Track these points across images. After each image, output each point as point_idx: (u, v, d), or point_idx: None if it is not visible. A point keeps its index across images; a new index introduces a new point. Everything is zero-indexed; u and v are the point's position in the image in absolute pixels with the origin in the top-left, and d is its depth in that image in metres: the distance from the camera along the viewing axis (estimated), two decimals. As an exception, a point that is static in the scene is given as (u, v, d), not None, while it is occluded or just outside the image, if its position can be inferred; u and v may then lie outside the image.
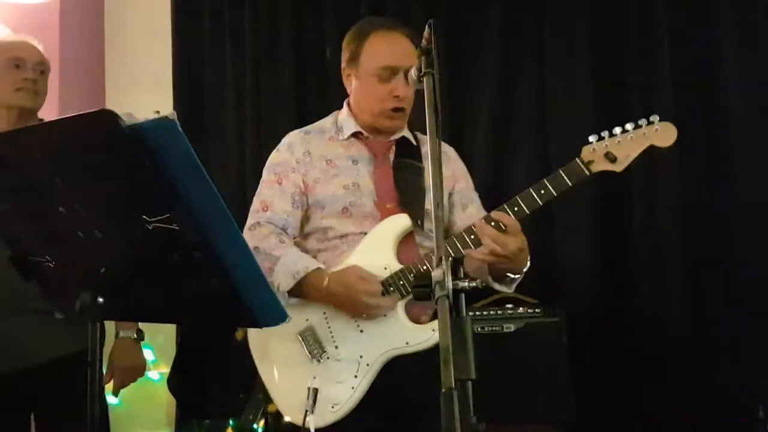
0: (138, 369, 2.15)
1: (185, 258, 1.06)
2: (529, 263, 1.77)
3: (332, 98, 3.34)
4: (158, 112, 3.07)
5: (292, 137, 1.94)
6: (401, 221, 1.80)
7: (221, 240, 1.03)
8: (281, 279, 1.74)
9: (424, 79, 1.39)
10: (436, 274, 1.09)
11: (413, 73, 1.53)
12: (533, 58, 3.19)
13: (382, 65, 1.82)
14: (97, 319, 1.17)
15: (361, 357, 1.73)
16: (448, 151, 2.00)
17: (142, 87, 3.56)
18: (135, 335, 2.12)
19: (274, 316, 1.11)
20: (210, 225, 1.01)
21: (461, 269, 1.12)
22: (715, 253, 2.95)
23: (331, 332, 1.76)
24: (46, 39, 3.20)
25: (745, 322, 2.87)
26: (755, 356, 2.82)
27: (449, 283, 1.06)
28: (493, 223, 1.69)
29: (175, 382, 3.06)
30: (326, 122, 1.99)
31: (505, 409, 2.47)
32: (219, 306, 1.13)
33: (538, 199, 1.72)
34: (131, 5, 3.66)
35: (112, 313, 1.22)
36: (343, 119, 1.94)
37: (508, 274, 1.78)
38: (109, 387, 2.13)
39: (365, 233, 1.80)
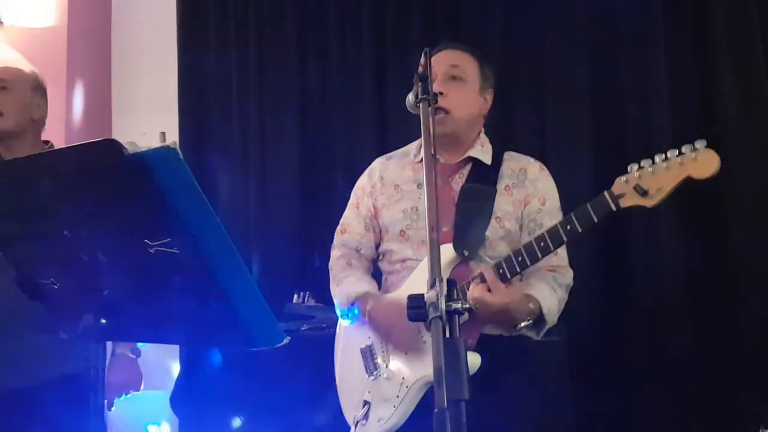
0: (134, 384, 2.17)
1: (186, 281, 1.09)
2: (527, 321, 1.73)
3: (336, 118, 3.40)
4: (164, 133, 3.08)
5: (375, 163, 2.03)
6: (444, 253, 1.74)
7: (220, 263, 1.06)
8: (340, 299, 1.92)
9: (420, 105, 1.44)
10: (429, 295, 1.11)
11: (410, 97, 1.57)
12: (531, 86, 3.22)
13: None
14: (100, 339, 1.20)
15: (403, 379, 1.79)
16: (530, 169, 1.92)
17: (149, 109, 3.61)
18: (131, 352, 2.14)
19: (271, 337, 1.13)
20: (210, 249, 1.04)
21: (455, 291, 1.15)
22: (716, 272, 2.96)
23: (384, 351, 1.86)
24: (54, 62, 3.29)
25: (747, 344, 2.87)
26: (757, 379, 2.82)
27: (442, 305, 1.09)
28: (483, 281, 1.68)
29: (178, 400, 3.08)
30: (413, 145, 2.02)
31: (503, 429, 2.47)
32: (218, 327, 1.15)
33: (563, 236, 1.66)
34: (137, 28, 3.72)
35: (115, 334, 1.25)
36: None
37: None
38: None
39: (420, 260, 1.84)
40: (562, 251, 1.86)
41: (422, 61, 1.48)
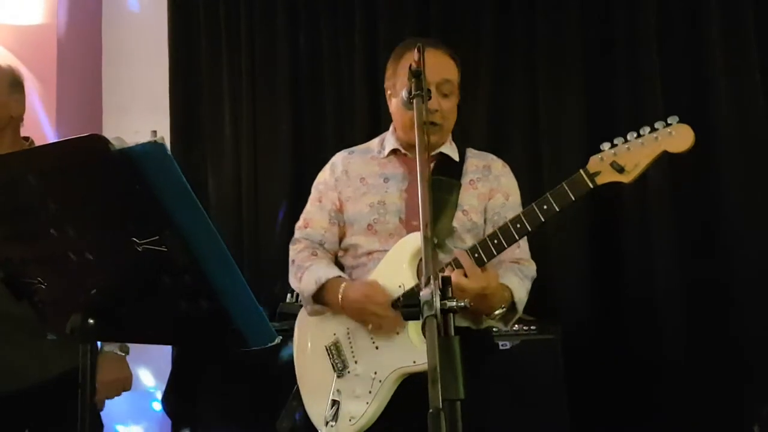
0: (124, 382, 2.13)
1: (175, 280, 1.07)
2: (501, 309, 1.75)
3: (328, 119, 3.38)
4: (155, 132, 3.04)
5: (337, 157, 2.02)
6: (416, 240, 1.79)
7: (210, 262, 1.04)
8: (306, 286, 1.85)
9: (414, 101, 1.42)
10: (424, 293, 1.09)
11: (404, 94, 1.56)
12: (525, 77, 3.22)
13: None
14: (88, 340, 1.17)
15: (375, 373, 1.76)
16: (494, 165, 1.97)
17: (140, 107, 3.58)
18: (118, 350, 2.11)
19: (263, 336, 1.11)
20: (199, 247, 1.02)
21: (450, 289, 1.13)
22: (709, 269, 2.96)
23: (352, 348, 1.81)
24: (44, 60, 3.25)
25: (740, 339, 2.88)
26: (750, 374, 2.83)
27: (437, 303, 1.07)
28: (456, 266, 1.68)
29: (169, 400, 3.05)
30: (374, 141, 2.04)
31: (499, 427, 2.46)
32: (209, 327, 1.13)
33: (540, 216, 1.66)
34: (128, 26, 3.69)
35: (103, 335, 1.22)
36: (387, 138, 1.99)
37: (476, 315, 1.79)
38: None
39: (388, 250, 1.83)
40: (524, 243, 1.89)
41: (415, 57, 1.46)
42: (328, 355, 1.84)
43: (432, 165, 1.91)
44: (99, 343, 2.10)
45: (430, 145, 1.89)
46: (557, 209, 1.65)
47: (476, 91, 3.21)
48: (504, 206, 1.91)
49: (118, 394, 2.14)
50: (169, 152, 0.93)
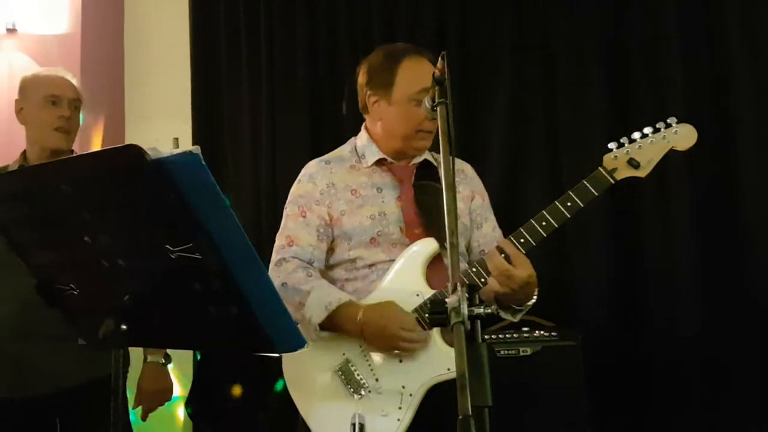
0: (165, 393, 2.16)
1: (206, 286, 1.08)
2: (535, 298, 1.77)
3: (346, 124, 3.39)
4: (177, 139, 3.08)
5: (313, 168, 1.91)
6: (428, 245, 1.78)
7: (241, 268, 1.05)
8: (313, 312, 1.72)
9: (438, 109, 1.43)
10: (451, 300, 1.10)
11: (427, 102, 1.57)
12: (544, 75, 3.23)
13: (421, 88, 1.73)
14: (120, 345, 1.19)
15: (403, 387, 1.70)
16: (466, 169, 1.99)
17: (161, 115, 3.61)
18: (162, 360, 2.13)
19: (293, 342, 1.13)
20: (230, 254, 1.03)
21: (477, 295, 1.13)
22: (732, 275, 2.93)
23: (370, 365, 1.74)
24: (67, 69, 3.28)
25: (764, 343, 2.85)
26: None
27: (464, 310, 1.08)
28: (503, 254, 1.69)
29: (193, 405, 3.08)
30: (344, 150, 1.97)
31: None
32: (238, 332, 1.14)
33: (565, 212, 1.72)
34: (150, 35, 3.73)
35: (135, 340, 1.24)
36: (364, 146, 1.92)
37: (512, 305, 1.78)
38: (137, 411, 2.14)
39: (393, 260, 1.79)
40: None
41: (439, 65, 1.46)
42: (341, 377, 1.74)
43: (414, 171, 1.91)
44: (144, 352, 2.13)
45: (418, 152, 1.90)
46: (581, 205, 1.72)
47: (495, 97, 3.22)
48: (482, 206, 1.96)
49: (161, 405, 2.15)
50: (204, 162, 0.94)
